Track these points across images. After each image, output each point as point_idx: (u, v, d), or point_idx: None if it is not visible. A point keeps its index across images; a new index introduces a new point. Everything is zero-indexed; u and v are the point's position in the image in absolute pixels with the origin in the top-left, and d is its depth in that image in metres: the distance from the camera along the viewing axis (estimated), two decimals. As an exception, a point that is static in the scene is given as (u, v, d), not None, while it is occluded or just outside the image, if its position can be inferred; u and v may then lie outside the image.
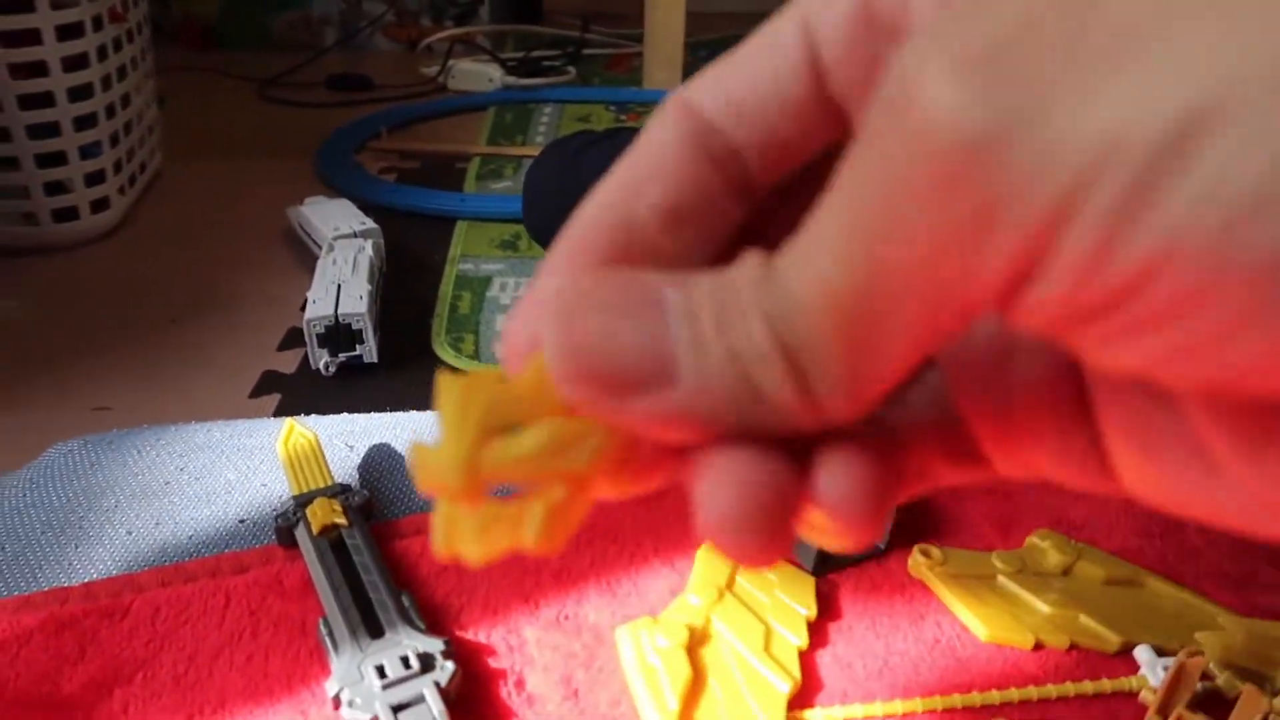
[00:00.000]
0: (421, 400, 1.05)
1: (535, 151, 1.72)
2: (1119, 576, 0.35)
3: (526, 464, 0.13)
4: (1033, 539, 0.36)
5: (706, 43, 2.41)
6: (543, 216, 1.32)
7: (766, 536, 0.12)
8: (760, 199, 0.15)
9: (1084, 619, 0.33)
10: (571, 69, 2.16)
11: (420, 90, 2.06)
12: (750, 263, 0.12)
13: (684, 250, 0.15)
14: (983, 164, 0.10)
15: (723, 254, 0.15)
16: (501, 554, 0.13)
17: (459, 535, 0.13)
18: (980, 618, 0.32)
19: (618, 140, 1.28)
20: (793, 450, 0.13)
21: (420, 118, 1.90)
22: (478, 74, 2.06)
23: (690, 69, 2.14)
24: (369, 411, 1.13)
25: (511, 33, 2.43)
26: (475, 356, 1.13)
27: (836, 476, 0.13)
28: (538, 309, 0.14)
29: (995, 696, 0.30)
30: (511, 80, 2.05)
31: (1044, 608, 0.33)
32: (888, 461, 0.13)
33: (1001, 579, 0.34)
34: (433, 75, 2.09)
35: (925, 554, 0.34)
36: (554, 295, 0.12)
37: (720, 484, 0.13)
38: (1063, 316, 0.10)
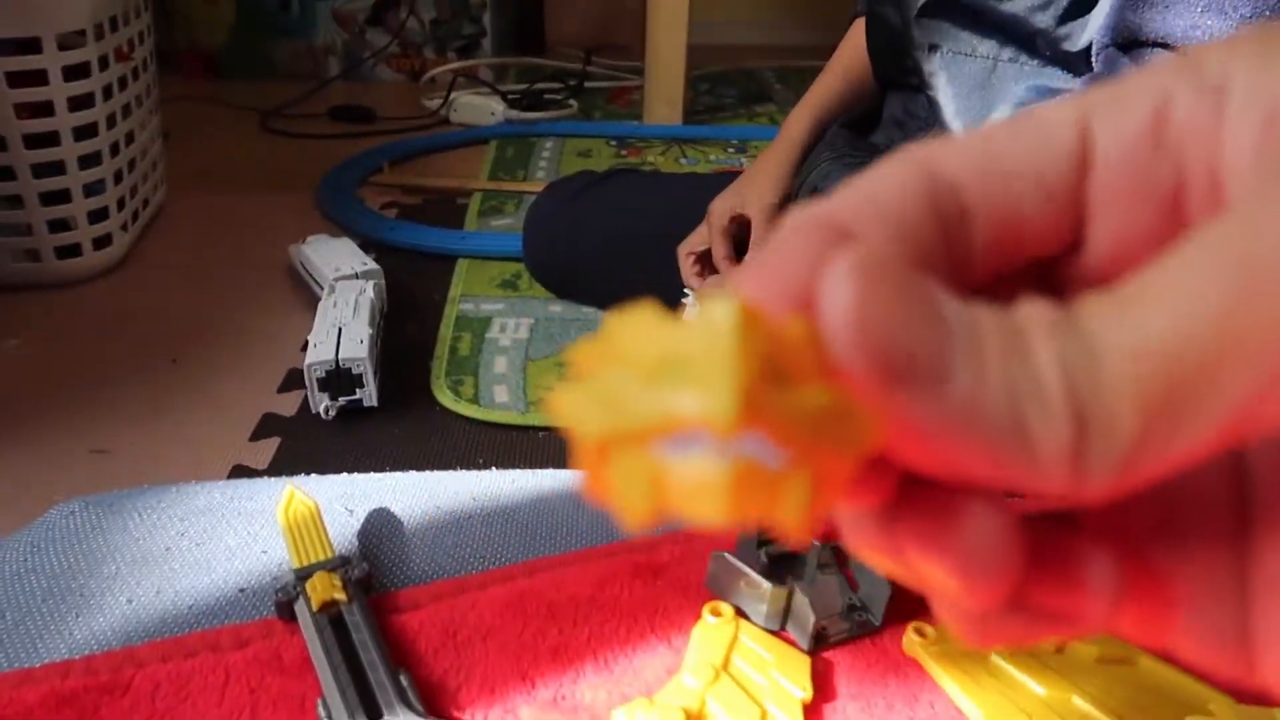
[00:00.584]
0: (421, 449, 1.06)
1: (536, 187, 1.74)
2: (1111, 655, 0.35)
3: (806, 423, 0.11)
4: (1026, 615, 0.36)
5: (707, 76, 2.43)
6: (544, 255, 1.34)
7: (1006, 586, 0.12)
8: (968, 279, 0.14)
9: (1077, 700, 0.33)
10: (573, 102, 2.18)
11: (423, 123, 2.09)
12: (1041, 306, 0.12)
13: None
14: None
15: None
16: (742, 520, 0.11)
17: (695, 491, 0.11)
18: (975, 700, 0.33)
19: (617, 181, 1.29)
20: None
21: (422, 151, 1.92)
22: (480, 107, 2.09)
23: (691, 103, 2.16)
24: (369, 457, 1.13)
25: (514, 65, 2.46)
26: (475, 400, 1.14)
27: (1107, 571, 0.13)
28: (793, 263, 0.13)
29: (988, 781, 0.30)
30: (514, 114, 2.08)
31: (1038, 689, 0.33)
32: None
33: (995, 658, 0.34)
34: (435, 108, 2.11)
35: (920, 632, 0.34)
36: (850, 263, 0.12)
37: (987, 520, 0.12)
38: None
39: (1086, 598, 0.13)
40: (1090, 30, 0.70)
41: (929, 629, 0.35)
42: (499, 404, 1.12)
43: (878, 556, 0.14)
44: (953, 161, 0.14)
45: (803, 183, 1.04)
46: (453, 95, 2.11)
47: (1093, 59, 0.70)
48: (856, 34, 1.08)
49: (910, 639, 0.35)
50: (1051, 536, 0.13)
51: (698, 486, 0.11)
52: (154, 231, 1.54)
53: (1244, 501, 0.14)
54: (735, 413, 0.10)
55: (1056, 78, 0.76)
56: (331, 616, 0.34)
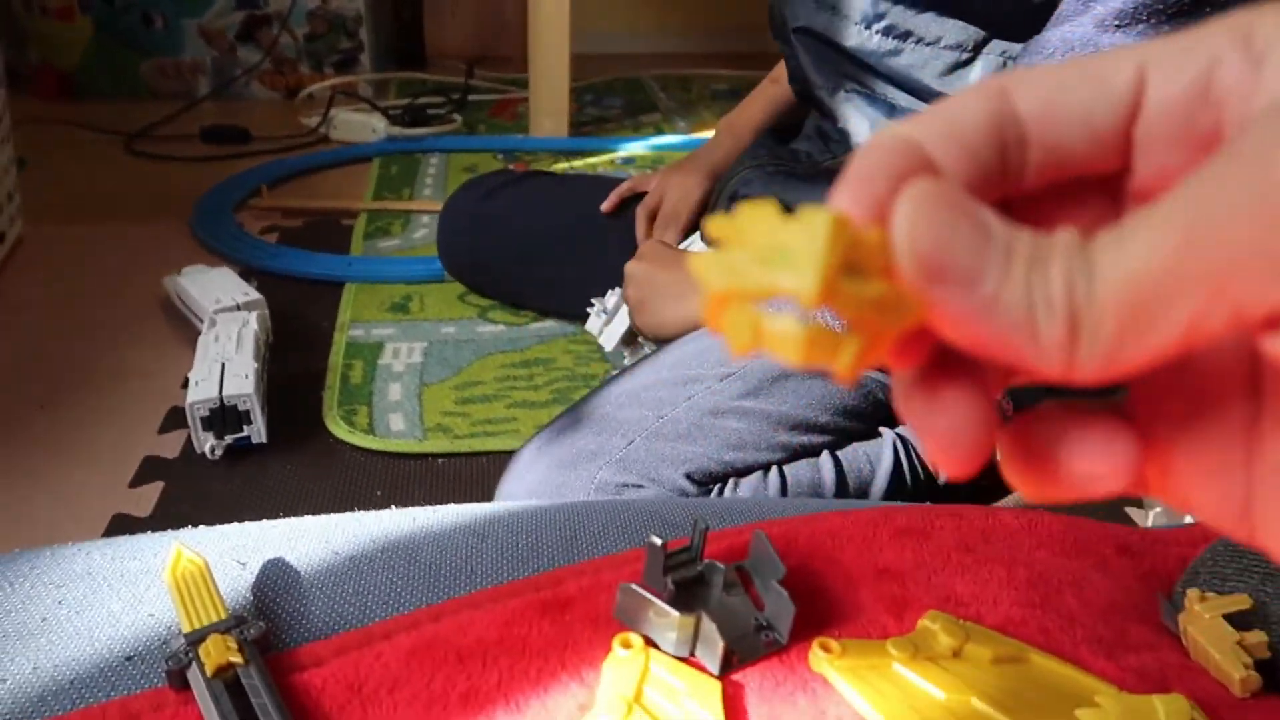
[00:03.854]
0: (315, 484, 1.02)
1: (424, 206, 1.71)
2: (1005, 655, 0.36)
3: (863, 306, 0.16)
4: (924, 621, 0.37)
5: (592, 87, 2.44)
6: (458, 250, 1.32)
7: (967, 453, 0.17)
8: (1015, 192, 0.18)
9: (976, 702, 0.34)
10: (457, 117, 2.16)
11: (301, 142, 2.03)
12: (1069, 232, 0.15)
13: None
14: None
15: None
16: (812, 362, 0.16)
17: (781, 339, 0.16)
18: (878, 709, 0.34)
19: (532, 181, 1.29)
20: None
21: (302, 171, 1.86)
22: (360, 124, 2.04)
23: (576, 114, 2.16)
24: (260, 497, 1.09)
25: (394, 80, 2.41)
26: (370, 429, 1.11)
27: (1129, 448, 0.17)
28: (875, 182, 0.16)
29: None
30: (396, 130, 2.04)
31: (938, 694, 0.34)
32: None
33: (896, 666, 0.35)
34: (314, 126, 2.05)
35: (825, 647, 0.35)
36: (913, 193, 0.16)
37: (949, 408, 0.17)
38: None
39: (1113, 465, 0.17)
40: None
41: (833, 643, 0.36)
42: (395, 432, 1.09)
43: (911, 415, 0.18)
44: (1023, 94, 0.17)
45: (722, 189, 1.06)
46: (332, 113, 2.06)
47: None
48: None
49: (816, 655, 0.35)
50: (1099, 421, 0.17)
51: (784, 336, 0.15)
52: (12, 267, 1.45)
53: (1257, 398, 0.17)
54: (817, 293, 0.15)
55: None
56: (228, 681, 0.33)
